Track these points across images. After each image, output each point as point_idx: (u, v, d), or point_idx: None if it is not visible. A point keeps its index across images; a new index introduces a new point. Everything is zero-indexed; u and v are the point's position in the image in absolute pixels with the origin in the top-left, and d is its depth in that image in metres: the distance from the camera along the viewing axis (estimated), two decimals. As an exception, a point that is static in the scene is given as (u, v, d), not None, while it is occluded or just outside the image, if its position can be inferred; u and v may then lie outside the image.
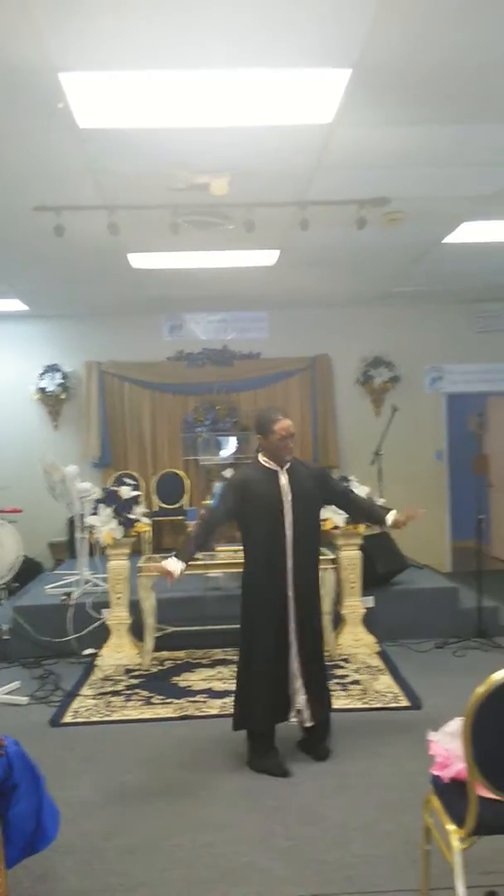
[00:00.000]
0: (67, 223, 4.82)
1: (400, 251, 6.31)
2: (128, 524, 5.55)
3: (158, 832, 3.16)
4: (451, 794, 2.40)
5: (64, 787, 3.49)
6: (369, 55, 3.11)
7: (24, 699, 4.80)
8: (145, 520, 5.74)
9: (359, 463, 7.57)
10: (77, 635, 5.69)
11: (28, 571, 6.94)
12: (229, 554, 5.54)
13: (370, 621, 5.73)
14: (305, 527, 3.78)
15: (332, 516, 5.41)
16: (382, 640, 5.70)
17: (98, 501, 5.67)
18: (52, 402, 8.61)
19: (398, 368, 8.70)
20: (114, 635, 5.58)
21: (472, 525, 6.17)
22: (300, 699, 3.76)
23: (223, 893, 2.73)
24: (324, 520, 4.99)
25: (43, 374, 8.54)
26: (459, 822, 2.31)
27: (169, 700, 4.72)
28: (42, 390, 8.54)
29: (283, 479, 3.78)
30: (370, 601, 5.84)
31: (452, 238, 5.91)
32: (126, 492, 5.66)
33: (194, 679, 5.11)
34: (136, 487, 6.00)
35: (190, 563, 3.90)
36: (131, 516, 5.56)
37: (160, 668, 5.38)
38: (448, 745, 2.47)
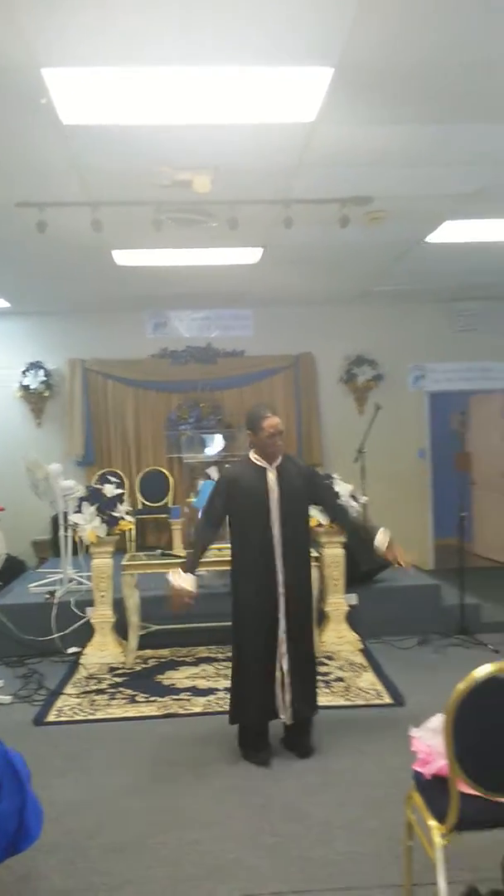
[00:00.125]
0: (50, 219, 4.80)
1: (382, 250, 6.34)
2: (111, 522, 5.54)
3: (143, 830, 3.16)
4: (433, 790, 2.42)
5: (47, 786, 3.49)
6: (351, 54, 3.12)
7: (7, 698, 4.78)
8: (129, 518, 5.73)
9: (342, 461, 7.59)
10: (61, 634, 5.67)
11: (11, 570, 6.89)
12: (214, 552, 5.54)
13: (353, 619, 5.76)
14: (293, 524, 3.79)
15: (317, 514, 5.43)
16: (365, 637, 5.73)
17: (82, 499, 5.65)
18: (35, 400, 8.56)
19: (381, 367, 8.74)
20: (98, 634, 5.57)
21: (455, 523, 6.21)
22: (286, 697, 3.77)
23: (209, 891, 2.74)
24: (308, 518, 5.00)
25: (26, 371, 8.49)
26: (441, 817, 2.33)
27: (153, 698, 4.72)
28: (25, 388, 8.49)
29: (272, 477, 3.78)
30: (353, 598, 5.86)
31: (434, 237, 5.94)
32: (110, 490, 5.65)
33: (178, 677, 5.11)
34: (119, 485, 5.99)
35: (196, 567, 3.90)
36: (115, 514, 5.55)
37: (144, 666, 5.37)
38: (430, 742, 2.50)
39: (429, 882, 2.57)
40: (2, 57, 3.07)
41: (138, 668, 5.32)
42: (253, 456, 3.86)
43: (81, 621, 5.70)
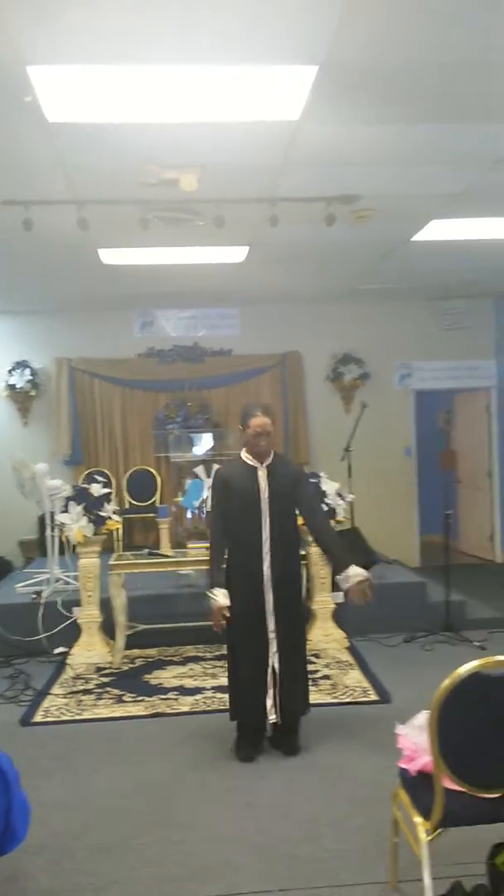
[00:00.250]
0: (36, 218, 4.78)
1: (369, 248, 6.36)
2: (98, 522, 5.53)
3: (129, 831, 3.16)
4: (419, 786, 2.43)
5: (34, 786, 3.46)
6: (336, 53, 3.13)
7: (-7, 699, 4.76)
8: (116, 517, 5.71)
9: (329, 459, 7.61)
10: (47, 634, 5.66)
11: (-3, 570, 6.88)
12: (200, 551, 5.55)
13: (340, 616, 5.78)
14: (282, 524, 3.80)
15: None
16: (352, 634, 5.75)
17: (68, 499, 5.63)
18: (22, 399, 8.52)
19: (367, 365, 8.76)
20: (85, 634, 5.55)
21: (440, 520, 6.24)
22: (276, 696, 3.77)
23: (194, 891, 2.74)
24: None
25: (12, 370, 8.45)
26: (426, 814, 2.35)
27: (140, 698, 4.72)
28: (11, 387, 8.45)
29: (262, 476, 3.79)
30: (340, 597, 5.87)
31: (421, 236, 5.96)
32: (97, 489, 5.63)
33: (166, 676, 5.11)
34: (106, 485, 5.97)
35: (221, 575, 3.84)
36: (102, 514, 5.54)
37: (131, 666, 5.37)
38: (415, 739, 2.51)
39: (414, 878, 2.58)
40: (-15, 55, 3.06)
41: (125, 668, 5.31)
42: (244, 455, 3.86)
43: (68, 621, 5.68)
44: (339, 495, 5.81)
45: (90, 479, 6.58)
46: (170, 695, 4.75)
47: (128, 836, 3.12)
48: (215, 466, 5.17)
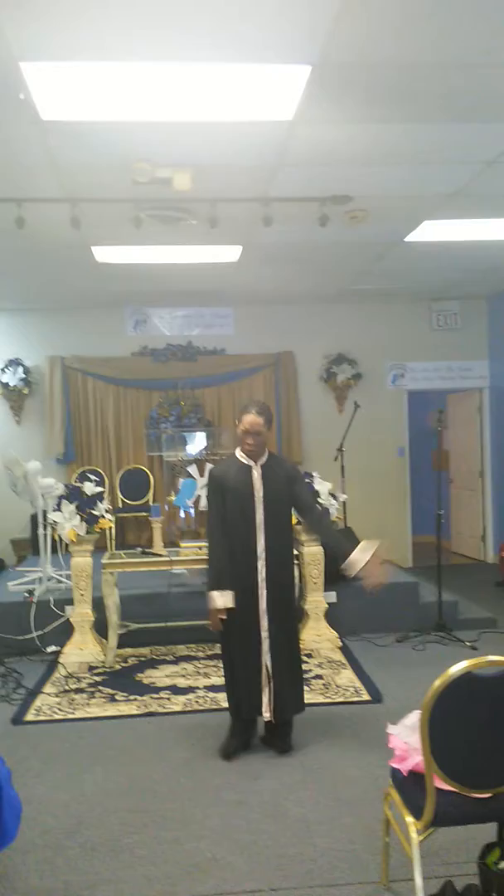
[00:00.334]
0: (29, 215, 4.77)
1: (362, 249, 6.37)
2: (91, 520, 5.52)
3: (120, 829, 3.16)
4: (410, 786, 2.44)
5: (26, 785, 3.48)
6: (330, 53, 3.14)
7: (-15, 698, 4.75)
8: (109, 516, 5.71)
9: (322, 459, 7.62)
10: (40, 633, 5.65)
11: (-11, 569, 6.86)
12: (193, 550, 5.55)
13: (332, 616, 5.79)
14: (276, 523, 3.79)
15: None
16: (344, 634, 5.76)
17: (61, 497, 5.62)
18: (15, 398, 8.51)
19: (361, 365, 8.78)
20: (77, 632, 5.54)
21: (433, 520, 6.25)
22: (270, 695, 3.78)
23: (186, 889, 2.74)
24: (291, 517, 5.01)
25: (5, 368, 8.44)
26: (418, 814, 2.35)
27: (133, 697, 4.71)
28: (4, 385, 8.43)
29: (256, 475, 3.79)
30: (332, 596, 5.89)
31: (414, 236, 5.98)
32: (90, 488, 5.62)
33: (158, 676, 5.10)
34: (99, 483, 5.97)
35: (224, 578, 3.78)
36: (95, 512, 5.53)
37: (124, 665, 5.36)
38: (407, 738, 2.52)
39: (406, 878, 2.59)
40: (-21, 52, 3.05)
41: (118, 667, 5.30)
42: (239, 453, 3.86)
43: (61, 620, 5.67)
44: (332, 495, 5.81)
45: (83, 477, 6.58)
46: (162, 694, 4.75)
47: (119, 834, 3.12)
48: (208, 465, 5.17)
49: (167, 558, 5.54)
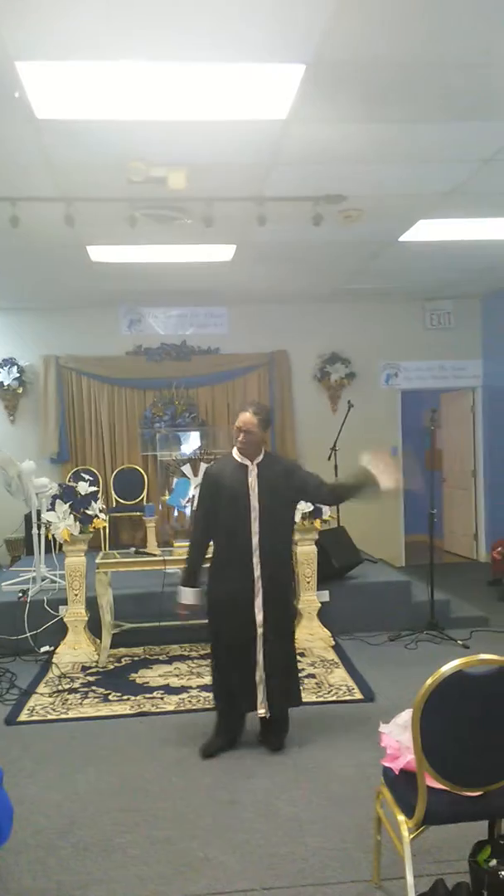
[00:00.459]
0: (23, 214, 4.77)
1: (356, 248, 6.38)
2: (85, 520, 5.51)
3: (113, 829, 3.16)
4: (402, 785, 2.45)
5: (18, 785, 3.48)
6: (324, 52, 3.14)
7: (-22, 698, 4.74)
8: (103, 516, 5.71)
9: (316, 458, 7.61)
10: (33, 633, 5.64)
11: (-17, 568, 6.84)
12: (187, 549, 5.54)
13: (325, 615, 5.80)
14: (273, 522, 3.79)
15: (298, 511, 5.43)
16: (337, 633, 5.77)
17: (55, 497, 5.61)
18: (9, 397, 8.50)
19: (354, 365, 8.79)
20: (71, 632, 5.54)
21: (425, 520, 6.26)
22: (264, 692, 3.79)
23: (178, 888, 2.74)
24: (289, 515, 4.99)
25: (-1, 367, 8.43)
26: (409, 812, 2.37)
27: (126, 697, 4.71)
28: (-2, 384, 8.42)
29: (252, 474, 3.79)
30: (325, 595, 5.90)
31: (408, 236, 5.99)
32: (84, 487, 5.62)
33: (151, 675, 5.11)
34: (93, 483, 5.96)
35: (198, 575, 3.93)
36: (89, 512, 5.53)
37: (117, 664, 5.36)
38: (399, 737, 2.53)
39: (397, 876, 2.61)
40: (-28, 51, 3.05)
41: (111, 667, 5.30)
42: (235, 453, 3.86)
43: (54, 620, 5.67)
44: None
45: (77, 477, 6.56)
46: (155, 694, 4.75)
47: (112, 834, 3.12)
48: (202, 465, 5.17)
49: (161, 558, 5.53)
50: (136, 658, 5.49)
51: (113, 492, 8.38)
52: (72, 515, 5.47)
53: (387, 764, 2.54)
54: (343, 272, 7.31)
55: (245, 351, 8.70)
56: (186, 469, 6.38)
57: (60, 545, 5.70)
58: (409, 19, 2.95)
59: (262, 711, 3.81)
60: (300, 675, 4.93)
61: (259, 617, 3.77)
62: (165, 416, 8.48)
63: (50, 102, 3.56)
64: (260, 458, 3.83)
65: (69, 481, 6.59)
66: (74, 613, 5.54)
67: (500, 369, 8.67)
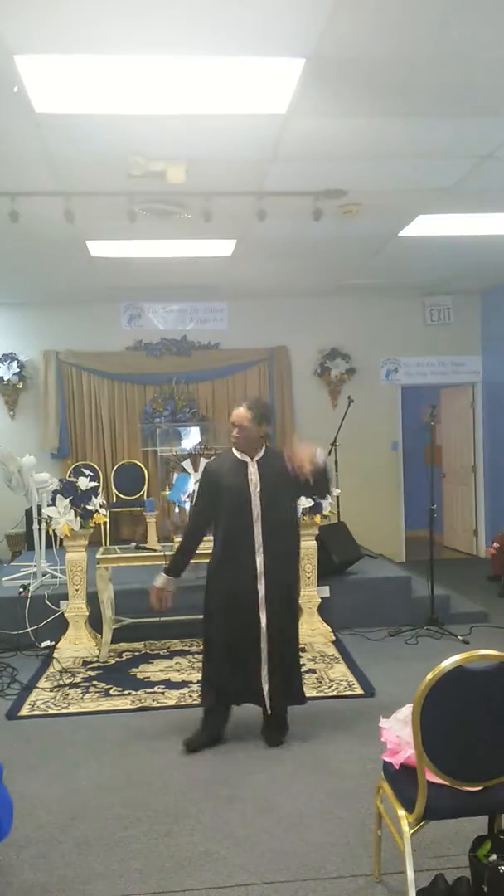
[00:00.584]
0: (23, 209, 4.76)
1: (356, 243, 6.37)
2: (86, 515, 5.52)
3: (114, 824, 3.17)
4: (402, 780, 2.46)
5: (20, 780, 3.48)
6: (324, 46, 3.13)
7: (-21, 693, 4.76)
8: (103, 511, 5.71)
9: (316, 454, 7.62)
10: (34, 627, 5.65)
11: (-17, 563, 6.85)
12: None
13: (325, 611, 5.81)
14: (275, 517, 3.78)
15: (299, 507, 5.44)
16: (337, 629, 5.78)
17: (55, 492, 5.62)
18: (9, 392, 8.49)
19: (354, 360, 8.79)
20: (71, 627, 5.55)
21: (426, 515, 6.27)
22: (267, 687, 3.80)
23: (179, 883, 2.75)
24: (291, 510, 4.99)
25: (-1, 363, 8.42)
26: (409, 807, 2.37)
27: (127, 691, 4.72)
28: (-1, 379, 8.42)
29: (253, 470, 3.78)
30: (326, 591, 5.91)
31: (408, 231, 5.98)
32: (84, 483, 5.62)
33: (152, 670, 5.12)
34: (94, 478, 5.96)
35: (181, 568, 3.97)
36: (89, 507, 5.53)
37: (118, 659, 5.37)
38: (399, 732, 2.53)
39: (398, 871, 2.62)
40: (-29, 45, 3.04)
41: (112, 662, 5.31)
42: (234, 449, 3.86)
43: (55, 615, 5.68)
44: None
45: (77, 472, 6.57)
46: (156, 688, 4.76)
47: (113, 829, 3.13)
48: (203, 460, 5.17)
49: (161, 553, 5.53)
50: (136, 653, 5.50)
51: (113, 487, 8.38)
52: (72, 511, 5.48)
53: (387, 759, 2.55)
54: (343, 267, 7.30)
55: (245, 346, 8.69)
56: (187, 464, 6.38)
57: (61, 540, 5.71)
58: (408, 15, 2.94)
59: (268, 704, 3.82)
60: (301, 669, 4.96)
61: (262, 615, 3.77)
62: (166, 412, 8.48)
63: (49, 96, 3.55)
64: (260, 454, 3.83)
65: (69, 476, 6.58)
66: (75, 608, 5.55)
67: (499, 365, 8.67)
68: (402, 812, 2.41)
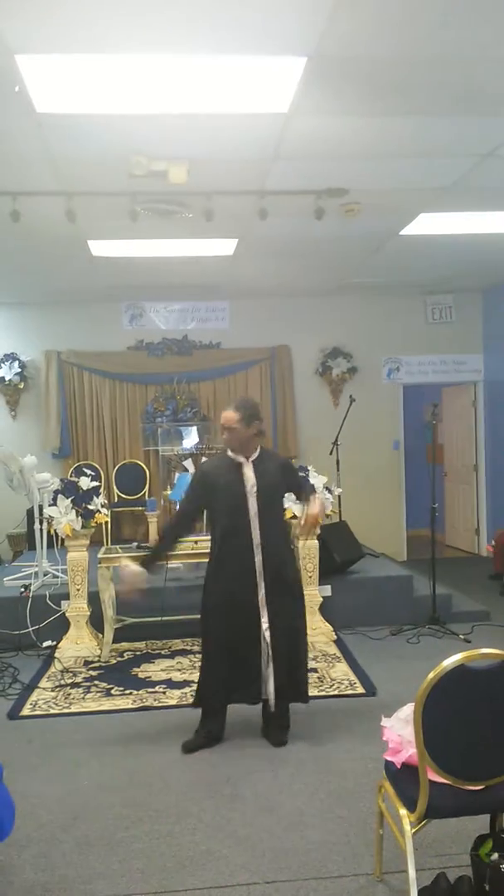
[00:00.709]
0: (24, 209, 4.76)
1: (358, 242, 6.36)
2: (87, 515, 5.52)
3: (116, 823, 3.17)
4: (403, 779, 2.45)
5: (21, 779, 3.49)
6: (325, 45, 3.13)
7: (-20, 692, 4.76)
8: (105, 511, 5.71)
9: (317, 453, 7.62)
10: (36, 627, 5.65)
11: (-15, 563, 6.86)
12: (189, 544, 5.55)
13: (327, 610, 5.81)
14: (271, 515, 3.79)
15: (292, 506, 5.45)
16: (339, 628, 5.78)
17: (57, 492, 5.62)
18: (11, 392, 8.49)
19: (356, 359, 8.79)
20: (73, 627, 5.55)
21: (427, 514, 6.27)
22: (269, 685, 3.80)
23: (181, 882, 2.75)
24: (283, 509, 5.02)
25: (0, 363, 8.41)
26: (411, 806, 2.37)
27: (128, 691, 4.72)
28: (0, 379, 8.41)
29: (248, 471, 3.78)
30: (327, 590, 5.91)
31: (410, 230, 5.97)
32: (85, 482, 5.62)
33: (154, 670, 5.12)
34: (95, 478, 5.96)
35: (157, 562, 3.97)
36: (91, 507, 5.53)
37: (119, 659, 5.37)
38: (400, 731, 2.53)
39: (399, 870, 2.62)
40: (-28, 45, 3.04)
41: (113, 662, 5.32)
42: (229, 451, 3.86)
43: (57, 615, 5.68)
44: (328, 489, 5.83)
45: (79, 472, 6.57)
46: (157, 688, 4.76)
47: (115, 828, 3.13)
48: (204, 460, 5.18)
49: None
50: (138, 653, 5.50)
51: (115, 487, 8.38)
52: (74, 510, 5.48)
53: (388, 758, 2.55)
54: (344, 266, 7.30)
55: (247, 346, 8.69)
56: (188, 464, 6.40)
57: (62, 540, 5.71)
58: (409, 14, 2.94)
59: (270, 699, 3.82)
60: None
61: (263, 613, 3.76)
62: (167, 411, 8.48)
63: (50, 96, 3.55)
64: (255, 455, 3.83)
65: (71, 476, 6.59)
66: (76, 608, 5.55)
67: (501, 363, 8.66)
68: (403, 811, 2.41)
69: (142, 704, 4.50)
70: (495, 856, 2.40)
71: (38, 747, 3.97)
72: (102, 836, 3.07)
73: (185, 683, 4.81)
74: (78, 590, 5.55)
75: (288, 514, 5.45)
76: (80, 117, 3.77)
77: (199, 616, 3.94)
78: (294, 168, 4.54)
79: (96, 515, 5.56)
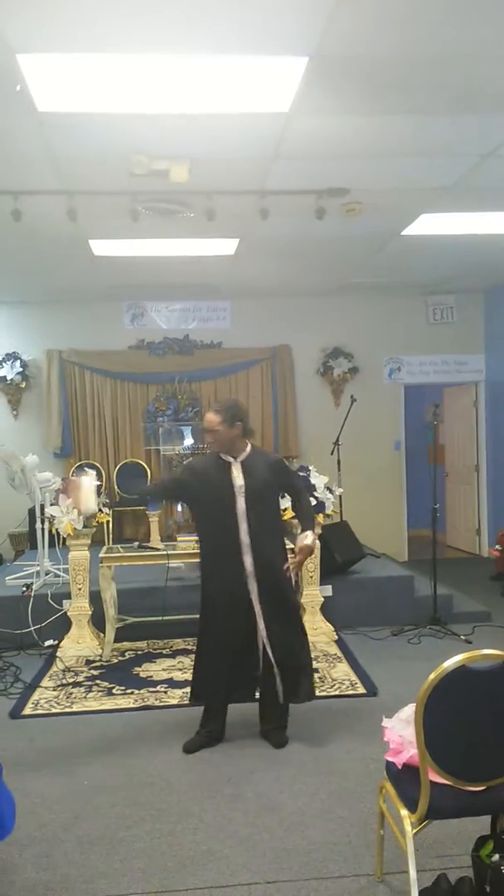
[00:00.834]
0: (26, 208, 4.76)
1: (359, 242, 6.36)
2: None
3: (117, 823, 3.17)
4: (404, 779, 2.45)
5: (23, 779, 3.49)
6: (326, 44, 3.13)
7: (-18, 692, 4.76)
8: (106, 510, 5.71)
9: (319, 453, 7.62)
10: (37, 627, 5.65)
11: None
12: (190, 544, 5.55)
13: (328, 610, 5.80)
14: (260, 516, 3.76)
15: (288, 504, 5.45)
16: (340, 628, 5.78)
17: (58, 491, 5.62)
18: (12, 391, 8.50)
19: (357, 359, 8.78)
20: (74, 626, 5.56)
21: (428, 514, 6.26)
22: (269, 685, 3.81)
23: (182, 882, 2.75)
24: (283, 509, 5.01)
25: (2, 362, 8.42)
26: (412, 807, 2.37)
27: (130, 690, 4.73)
28: (2, 379, 8.42)
29: (236, 471, 3.77)
30: (328, 590, 5.91)
31: (411, 230, 5.97)
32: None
33: (155, 669, 5.12)
34: (97, 477, 5.96)
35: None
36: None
37: (121, 658, 5.38)
38: (402, 732, 2.53)
39: (400, 871, 2.62)
40: (-26, 45, 3.04)
41: (115, 661, 5.32)
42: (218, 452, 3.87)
43: (58, 614, 5.68)
44: (329, 489, 5.83)
45: (80, 471, 6.57)
46: (159, 687, 4.76)
47: (116, 828, 3.13)
48: (191, 459, 5.18)
49: (164, 552, 5.54)
50: (139, 652, 5.51)
51: (116, 486, 8.39)
52: (75, 510, 5.48)
53: (390, 758, 2.55)
54: (346, 266, 7.29)
55: (248, 345, 8.69)
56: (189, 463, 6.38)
57: (64, 539, 5.71)
58: (411, 13, 2.94)
59: (281, 696, 3.83)
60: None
61: (259, 613, 3.77)
62: (168, 411, 8.49)
63: (51, 95, 3.55)
64: (245, 454, 3.81)
65: (72, 475, 6.59)
66: (78, 607, 5.56)
67: (502, 364, 8.66)
68: (404, 812, 2.41)
69: (143, 704, 4.51)
70: (496, 857, 2.40)
71: (40, 746, 3.97)
72: (104, 836, 3.07)
73: (187, 683, 4.79)
74: (79, 589, 5.55)
75: (287, 515, 5.46)
76: (81, 116, 3.78)
77: (199, 616, 3.94)
78: (295, 168, 4.54)
79: (98, 515, 5.56)
